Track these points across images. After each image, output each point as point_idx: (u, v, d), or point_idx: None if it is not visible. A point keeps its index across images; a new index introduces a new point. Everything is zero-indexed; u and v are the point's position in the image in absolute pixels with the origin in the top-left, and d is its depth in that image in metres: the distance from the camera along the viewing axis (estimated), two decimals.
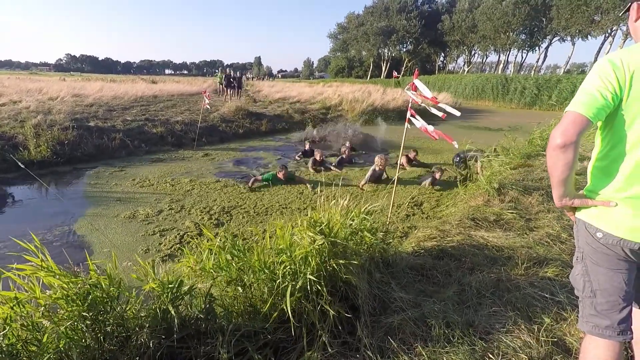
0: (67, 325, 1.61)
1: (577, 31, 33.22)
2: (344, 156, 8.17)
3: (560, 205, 1.44)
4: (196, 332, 1.88)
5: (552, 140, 1.29)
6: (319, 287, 1.99)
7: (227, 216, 4.97)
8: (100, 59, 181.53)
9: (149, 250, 3.98)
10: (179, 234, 4.35)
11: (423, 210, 5.33)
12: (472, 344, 1.94)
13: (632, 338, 1.44)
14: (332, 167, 7.72)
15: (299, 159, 8.60)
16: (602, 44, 33.57)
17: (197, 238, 4.20)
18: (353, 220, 2.59)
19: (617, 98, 1.21)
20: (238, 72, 20.37)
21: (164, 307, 1.79)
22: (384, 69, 57.41)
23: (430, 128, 3.62)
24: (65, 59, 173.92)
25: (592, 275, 1.43)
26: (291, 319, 1.83)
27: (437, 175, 6.43)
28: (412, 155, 8.14)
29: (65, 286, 1.66)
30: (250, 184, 6.14)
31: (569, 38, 36.71)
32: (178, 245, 4.06)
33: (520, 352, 1.90)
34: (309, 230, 2.19)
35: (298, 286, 1.96)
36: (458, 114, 3.53)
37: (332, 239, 2.19)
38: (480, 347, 1.92)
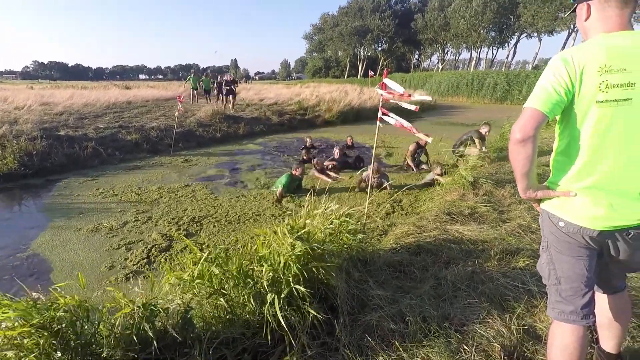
0: (35, 353, 1.55)
1: (543, 27, 34.47)
2: (335, 156, 7.83)
3: (525, 197, 1.50)
4: (173, 343, 1.85)
5: (512, 136, 1.35)
6: (300, 291, 1.99)
7: (197, 226, 4.80)
8: (70, 65, 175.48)
9: (113, 267, 3.77)
10: (146, 247, 4.15)
11: (402, 207, 5.41)
12: (448, 336, 2.00)
13: (594, 321, 1.51)
14: (331, 174, 7.20)
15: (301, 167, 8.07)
16: (567, 39, 34.96)
17: (166, 251, 4.06)
18: (332, 223, 2.61)
19: (570, 93, 1.27)
20: (229, 75, 17.77)
21: (139, 325, 1.74)
22: (360, 68, 57.91)
23: (406, 123, 3.69)
24: (32, 66, 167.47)
25: (557, 264, 1.49)
26: (273, 324, 1.84)
27: (439, 170, 6.26)
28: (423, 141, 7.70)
29: (26, 316, 1.59)
30: (278, 196, 5.73)
31: (535, 34, 38.08)
32: (145, 260, 3.87)
33: (494, 341, 1.96)
34: (288, 237, 2.20)
35: (282, 295, 1.97)
36: (429, 99, 3.65)
37: (311, 245, 2.21)
38: (456, 339, 1.98)
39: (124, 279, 3.52)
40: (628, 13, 1.28)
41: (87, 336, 1.74)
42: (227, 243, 4.25)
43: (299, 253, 2.13)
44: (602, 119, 1.25)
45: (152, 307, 1.77)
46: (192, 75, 18.64)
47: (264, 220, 4.99)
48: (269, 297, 1.93)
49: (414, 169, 7.54)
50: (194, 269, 2.06)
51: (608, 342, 1.67)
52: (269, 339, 1.88)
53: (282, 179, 5.94)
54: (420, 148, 7.89)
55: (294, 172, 6.02)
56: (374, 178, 6.16)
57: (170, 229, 4.67)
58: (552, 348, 1.51)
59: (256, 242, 2.29)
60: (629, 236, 1.36)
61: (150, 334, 1.68)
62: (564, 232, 1.42)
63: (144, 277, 3.51)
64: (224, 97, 15.58)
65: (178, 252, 4.00)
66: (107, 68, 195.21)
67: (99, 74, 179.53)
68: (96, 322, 1.79)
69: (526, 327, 2.08)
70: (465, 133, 7.83)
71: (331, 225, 2.59)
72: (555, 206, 1.44)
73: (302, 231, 2.27)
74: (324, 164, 7.45)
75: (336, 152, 8.04)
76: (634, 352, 1.85)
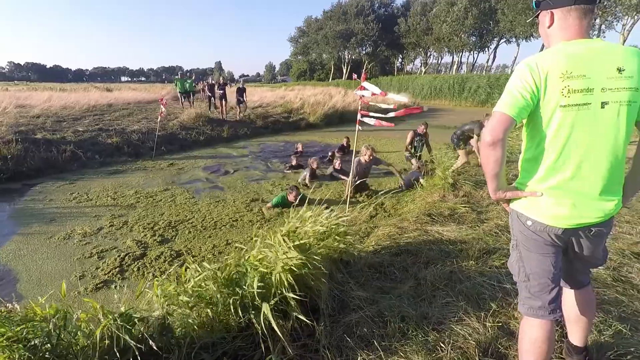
0: None
1: (521, 33, 35.46)
2: (336, 167, 7.12)
3: (495, 198, 1.55)
4: (151, 350, 1.83)
5: (483, 139, 1.41)
6: (291, 296, 2.00)
7: (173, 231, 4.71)
8: (48, 66, 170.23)
9: (84, 276, 3.64)
10: (119, 255, 4.03)
11: (385, 209, 5.48)
12: (426, 335, 2.04)
13: (561, 316, 1.58)
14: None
15: (288, 171, 7.91)
16: (543, 44, 36.01)
17: (140, 260, 3.95)
18: (324, 226, 2.63)
19: (535, 98, 1.33)
20: (221, 78, 16.64)
21: (117, 335, 1.72)
22: (345, 71, 58.29)
23: (385, 121, 3.80)
24: (8, 67, 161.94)
25: (525, 261, 1.55)
26: (257, 328, 1.84)
27: (419, 165, 6.16)
28: (421, 129, 7.54)
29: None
30: (266, 211, 5.49)
31: (514, 39, 39.14)
32: (117, 269, 3.75)
33: (470, 338, 2.02)
34: (285, 245, 2.20)
35: (272, 303, 1.97)
36: (405, 99, 3.76)
37: (308, 255, 2.22)
38: (433, 338, 2.02)
39: (94, 289, 3.42)
40: (587, 22, 1.36)
41: (64, 347, 1.71)
42: (204, 250, 4.21)
43: (295, 264, 2.13)
44: (564, 123, 1.31)
45: (131, 317, 1.75)
46: (178, 78, 16.94)
47: (240, 226, 4.94)
48: (264, 306, 1.92)
49: (411, 161, 7.24)
50: (187, 285, 2.05)
51: (576, 335, 1.74)
52: (255, 342, 1.88)
53: (276, 198, 5.65)
54: (418, 136, 7.45)
55: (288, 196, 5.54)
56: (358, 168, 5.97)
57: (146, 235, 4.57)
58: (523, 342, 1.57)
59: (244, 249, 2.30)
60: (591, 233, 1.43)
61: (132, 344, 1.65)
62: (532, 231, 1.48)
63: (114, 286, 3.43)
64: (220, 101, 14.31)
65: (152, 260, 3.94)
66: (87, 70, 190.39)
67: (78, 76, 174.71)
68: (74, 332, 1.76)
69: (500, 324, 2.14)
70: (466, 124, 7.31)
71: (323, 229, 2.62)
72: (524, 206, 1.50)
73: (301, 241, 2.27)
74: (335, 162, 7.19)
75: (337, 163, 7.20)
76: (600, 344, 1.93)
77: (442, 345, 1.96)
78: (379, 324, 2.15)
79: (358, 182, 5.78)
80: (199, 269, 2.16)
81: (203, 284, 2.06)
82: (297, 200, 5.25)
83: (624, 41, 26.07)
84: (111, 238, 4.53)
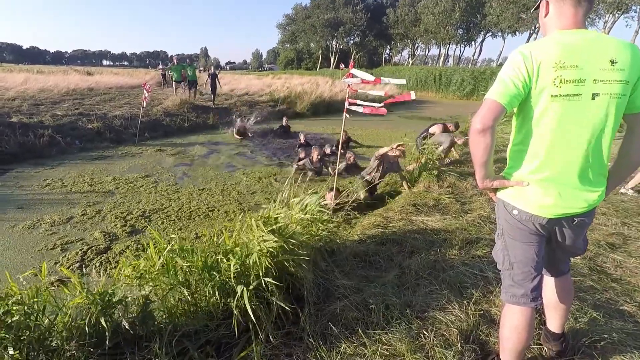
0: None
1: (507, 27, 35.87)
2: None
3: (482, 187, 1.56)
4: (132, 337, 1.80)
5: (472, 126, 1.40)
6: (268, 283, 1.98)
7: (146, 222, 4.53)
8: (24, 47, 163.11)
9: (41, 272, 3.40)
10: (81, 249, 3.79)
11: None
12: (409, 322, 2.06)
13: (542, 303, 1.62)
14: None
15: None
16: (528, 39, 36.58)
17: (103, 254, 3.73)
18: (307, 213, 2.61)
19: (527, 87, 1.33)
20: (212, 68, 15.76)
21: (94, 319, 1.68)
22: (332, 60, 57.91)
23: (377, 105, 3.75)
24: None
25: (510, 249, 1.57)
26: (238, 316, 1.83)
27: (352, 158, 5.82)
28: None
29: None
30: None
31: (500, 34, 39.58)
32: (78, 264, 3.52)
33: (452, 325, 2.05)
34: (261, 229, 2.17)
35: (251, 287, 1.95)
36: (403, 82, 3.68)
37: (285, 239, 2.20)
38: (417, 325, 2.05)
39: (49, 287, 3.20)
40: (582, 12, 1.35)
41: (41, 330, 1.66)
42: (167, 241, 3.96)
43: (271, 248, 2.11)
44: (554, 113, 1.31)
45: (109, 298, 1.71)
46: (174, 65, 14.48)
47: (215, 217, 4.80)
48: (238, 289, 1.91)
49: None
50: (156, 262, 2.00)
51: (554, 322, 1.79)
52: (236, 331, 1.86)
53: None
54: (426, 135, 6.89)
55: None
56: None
57: (116, 225, 4.39)
58: (504, 329, 1.60)
59: (223, 234, 2.26)
60: (574, 223, 1.46)
61: (105, 326, 1.61)
62: (517, 220, 1.49)
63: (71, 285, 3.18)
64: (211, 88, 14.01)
65: (117, 255, 3.74)
66: (66, 52, 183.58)
67: (57, 58, 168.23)
68: (53, 315, 1.71)
69: (482, 312, 2.18)
70: (429, 126, 7.24)
71: (307, 216, 2.60)
72: (510, 195, 1.51)
73: (277, 225, 2.25)
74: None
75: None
76: (576, 331, 1.99)
77: (425, 332, 1.98)
78: (364, 312, 2.16)
79: (378, 181, 5.16)
80: (165, 244, 2.10)
81: (170, 262, 2.01)
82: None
83: None
84: (80, 228, 4.32)
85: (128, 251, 3.80)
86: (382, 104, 3.75)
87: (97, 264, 3.57)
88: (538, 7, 1.49)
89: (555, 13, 1.38)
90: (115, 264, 3.53)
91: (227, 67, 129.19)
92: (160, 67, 16.40)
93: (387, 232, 3.45)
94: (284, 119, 11.34)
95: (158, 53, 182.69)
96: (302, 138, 9.25)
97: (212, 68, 16.64)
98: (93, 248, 3.85)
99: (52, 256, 3.69)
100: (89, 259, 3.66)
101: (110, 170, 6.76)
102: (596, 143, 1.34)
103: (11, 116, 8.91)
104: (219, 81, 14.61)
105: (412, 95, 3.58)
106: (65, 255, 3.70)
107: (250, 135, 10.57)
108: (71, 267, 3.48)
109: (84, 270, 3.45)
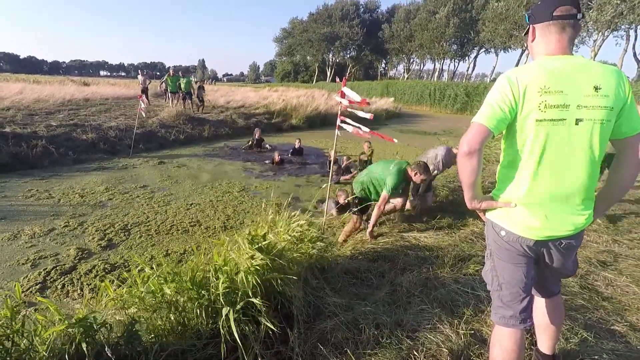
0: None
1: (500, 43, 36.64)
2: (341, 164, 7.01)
3: (471, 207, 1.57)
4: (117, 358, 1.76)
5: (460, 148, 1.42)
6: (256, 302, 1.96)
7: (124, 236, 4.42)
8: (22, 57, 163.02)
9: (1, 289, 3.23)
10: (44, 269, 3.59)
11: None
12: (400, 342, 2.04)
13: (532, 325, 1.61)
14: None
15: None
16: (520, 55, 37.37)
17: (67, 274, 3.53)
18: (294, 231, 2.60)
19: (513, 111, 1.35)
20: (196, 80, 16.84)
21: (77, 342, 1.64)
22: (329, 74, 58.69)
23: (364, 128, 3.82)
24: None
25: (499, 270, 1.57)
26: (226, 335, 1.79)
27: (342, 199, 5.15)
28: None
29: None
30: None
31: (493, 50, 40.40)
32: (39, 286, 3.31)
33: (442, 346, 2.03)
34: (248, 248, 2.16)
35: (238, 307, 1.92)
36: (369, 116, 3.90)
37: (272, 257, 2.18)
38: (407, 346, 2.02)
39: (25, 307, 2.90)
40: (567, 38, 1.37)
41: (20, 353, 1.61)
42: (140, 262, 3.70)
43: (257, 266, 2.09)
44: (539, 137, 1.33)
45: (90, 322, 1.67)
46: (170, 76, 14.54)
47: (194, 232, 4.67)
48: (224, 310, 1.88)
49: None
50: (141, 288, 1.97)
51: (545, 343, 1.78)
52: (223, 350, 1.83)
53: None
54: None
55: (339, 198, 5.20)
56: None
57: (94, 239, 4.27)
58: (494, 349, 1.58)
59: (211, 251, 2.24)
60: (561, 245, 1.46)
61: (86, 352, 1.57)
62: (505, 241, 1.50)
63: (34, 309, 2.65)
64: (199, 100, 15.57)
65: (81, 276, 3.54)
66: (64, 62, 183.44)
67: (55, 68, 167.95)
68: (31, 337, 1.66)
69: (473, 332, 2.17)
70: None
71: (294, 234, 2.59)
72: (498, 216, 1.52)
73: (264, 242, 2.23)
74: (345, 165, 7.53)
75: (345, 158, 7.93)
76: (567, 352, 1.98)
77: (415, 353, 1.96)
78: (354, 331, 2.14)
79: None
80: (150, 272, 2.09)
81: (158, 288, 1.98)
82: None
83: (595, 56, 27.28)
84: (59, 241, 4.20)
85: (94, 271, 3.63)
86: (367, 131, 3.85)
87: (59, 287, 3.35)
88: (528, 32, 1.52)
89: (541, 39, 1.42)
90: (80, 286, 3.39)
91: (225, 79, 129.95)
92: (140, 76, 16.37)
93: (379, 249, 3.44)
94: (257, 131, 10.95)
95: (155, 64, 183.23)
96: (297, 144, 9.97)
97: (198, 82, 18.50)
98: (58, 267, 3.64)
99: (21, 273, 3.54)
100: (51, 279, 3.47)
101: (102, 181, 6.70)
102: (581, 167, 1.36)
103: (4, 126, 8.87)
104: (204, 93, 16.32)
105: (395, 140, 4.14)
106: (32, 273, 3.52)
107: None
108: (31, 289, 3.27)
109: (45, 293, 3.25)
